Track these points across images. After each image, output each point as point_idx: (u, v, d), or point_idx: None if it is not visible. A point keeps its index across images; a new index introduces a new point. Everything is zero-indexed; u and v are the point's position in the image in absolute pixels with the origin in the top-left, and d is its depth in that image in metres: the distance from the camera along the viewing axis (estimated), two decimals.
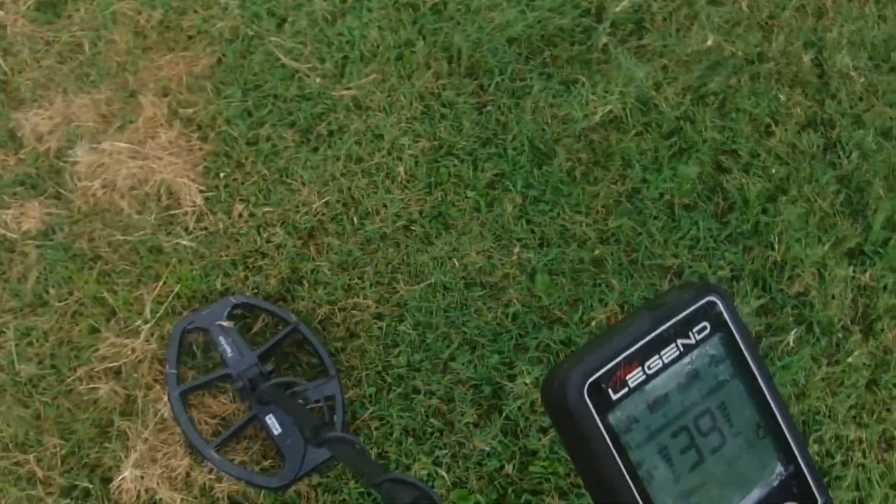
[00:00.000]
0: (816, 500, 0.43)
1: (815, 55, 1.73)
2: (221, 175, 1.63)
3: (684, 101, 1.66)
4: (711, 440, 0.41)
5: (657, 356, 0.40)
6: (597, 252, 1.49)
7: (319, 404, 1.39)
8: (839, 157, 1.60)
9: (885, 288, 1.46)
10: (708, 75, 1.69)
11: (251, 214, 1.58)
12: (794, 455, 0.43)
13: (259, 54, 1.77)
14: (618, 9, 1.77)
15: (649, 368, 0.40)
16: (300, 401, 1.33)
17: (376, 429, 1.38)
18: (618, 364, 0.39)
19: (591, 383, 0.37)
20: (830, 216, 1.53)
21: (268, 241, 1.54)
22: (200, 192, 1.61)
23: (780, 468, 0.42)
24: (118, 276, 1.52)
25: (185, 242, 1.55)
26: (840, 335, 1.41)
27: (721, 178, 1.58)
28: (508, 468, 1.31)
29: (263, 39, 1.81)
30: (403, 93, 1.72)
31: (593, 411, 0.37)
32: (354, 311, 1.47)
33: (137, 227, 1.57)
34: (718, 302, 0.42)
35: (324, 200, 1.58)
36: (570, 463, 1.33)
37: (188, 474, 1.34)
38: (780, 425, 0.42)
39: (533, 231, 1.52)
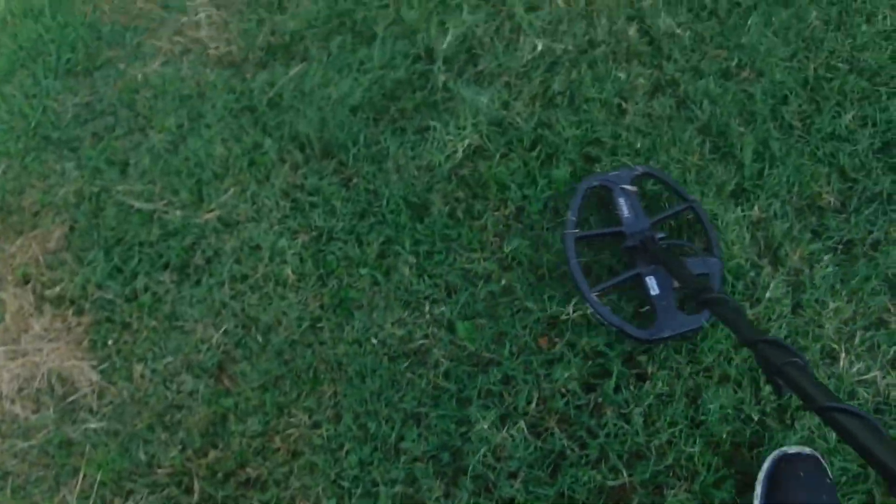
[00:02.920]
0: None
1: (640, 25, 1.87)
2: (110, 342, 1.63)
3: (535, 110, 1.77)
4: None
5: None
6: (503, 282, 1.56)
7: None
8: (692, 111, 1.72)
9: (774, 215, 1.57)
10: (549, 78, 1.81)
11: (153, 371, 1.59)
12: None
13: (110, 208, 1.79)
14: (444, 45, 1.88)
15: None
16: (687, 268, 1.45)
17: None
18: None
19: None
20: (704, 167, 1.65)
21: (178, 392, 1.55)
22: (93, 367, 1.60)
23: None
24: (34, 486, 1.49)
25: (93, 426, 1.54)
26: (752, 274, 1.51)
27: (593, 168, 1.68)
28: None
29: (110, 192, 1.84)
30: (266, 196, 1.77)
31: None
32: (290, 430, 1.48)
33: (38, 428, 1.55)
34: None
35: (222, 330, 1.60)
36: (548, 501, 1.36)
37: None
38: None
39: (436, 284, 1.58)
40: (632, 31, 1.86)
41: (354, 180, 1.77)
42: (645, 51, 1.83)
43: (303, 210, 1.74)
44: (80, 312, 1.70)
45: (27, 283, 1.76)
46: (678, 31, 1.84)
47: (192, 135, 1.87)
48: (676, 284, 1.56)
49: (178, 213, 1.77)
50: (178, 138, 1.88)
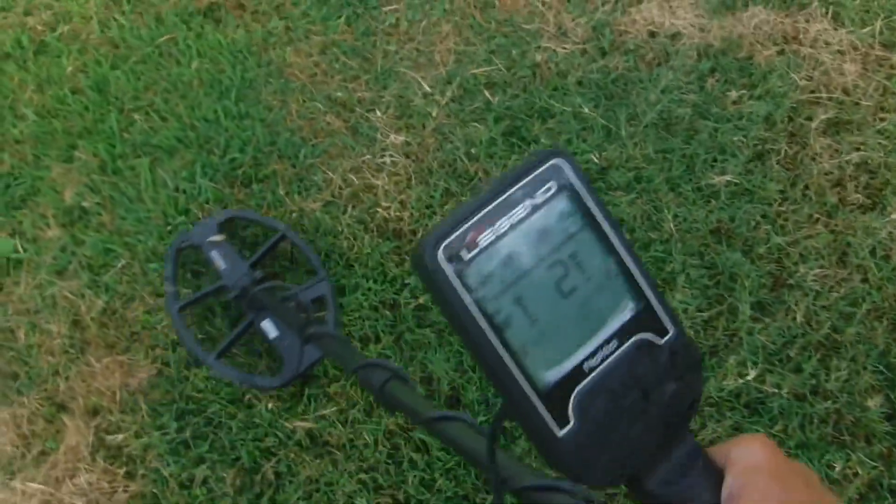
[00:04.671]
0: (668, 331, 0.53)
1: None
2: None
3: None
4: (565, 285, 0.51)
5: (506, 217, 0.50)
6: None
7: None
8: None
9: None
10: None
11: None
12: (643, 293, 0.53)
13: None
14: None
15: (499, 229, 0.50)
16: (292, 304, 1.54)
17: None
18: (468, 228, 0.49)
19: (444, 246, 0.48)
20: None
21: None
22: None
23: (631, 304, 0.53)
24: None
25: None
26: None
27: None
28: None
29: (214, 344, 1.77)
30: (370, 428, 1.63)
31: (447, 270, 0.48)
32: None
33: None
34: (563, 163, 0.51)
35: None
36: None
37: None
38: (628, 268, 0.52)
39: None
40: None
41: None
42: None
43: (399, 464, 1.60)
44: (131, 476, 1.68)
45: (95, 414, 1.74)
46: None
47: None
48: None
49: (271, 405, 1.70)
50: None
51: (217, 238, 1.78)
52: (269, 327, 1.68)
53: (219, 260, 1.76)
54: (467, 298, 0.48)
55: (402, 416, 1.62)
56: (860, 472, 1.65)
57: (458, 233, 0.49)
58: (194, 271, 1.93)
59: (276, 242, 1.82)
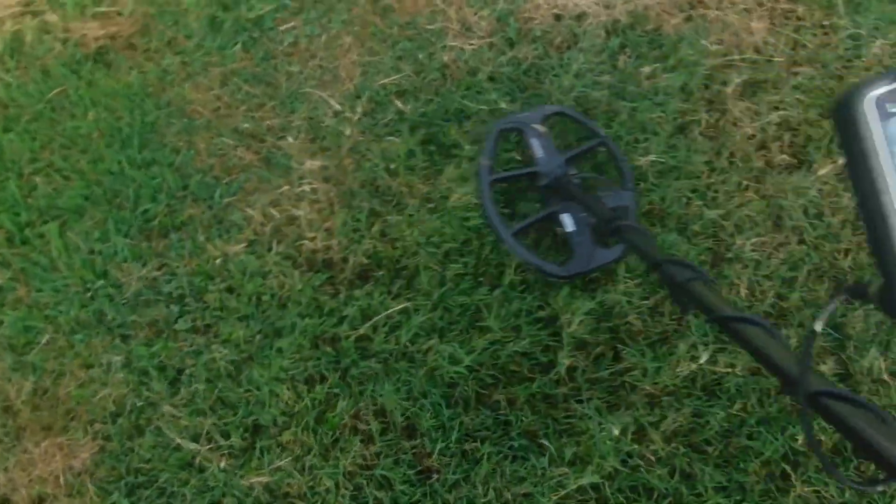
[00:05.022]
0: None
1: None
2: None
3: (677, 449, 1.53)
4: None
5: None
6: None
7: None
8: None
9: None
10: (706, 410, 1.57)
11: None
12: None
13: (150, 434, 1.72)
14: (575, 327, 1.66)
15: None
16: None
17: None
18: None
19: (874, 96, 0.51)
20: None
21: None
22: None
23: None
24: None
25: None
26: None
27: None
28: None
29: (155, 409, 1.74)
30: (328, 474, 1.62)
31: (871, 118, 0.50)
32: None
33: None
34: None
35: None
36: None
37: None
38: None
39: None
40: None
41: (435, 477, 1.58)
42: None
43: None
44: None
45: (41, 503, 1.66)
46: None
47: (260, 359, 1.78)
48: (592, 220, 1.79)
49: (224, 464, 1.68)
50: (244, 359, 1.79)
51: (540, 128, 1.92)
52: (568, 221, 1.80)
53: (538, 148, 1.89)
54: (884, 151, 0.51)
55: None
56: (823, 438, 1.68)
57: (891, 87, 0.52)
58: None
59: (595, 147, 1.94)
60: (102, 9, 2.26)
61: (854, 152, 0.53)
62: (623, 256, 1.80)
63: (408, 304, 1.83)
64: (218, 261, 1.92)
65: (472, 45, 2.17)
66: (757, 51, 2.17)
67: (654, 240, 1.58)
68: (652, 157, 1.96)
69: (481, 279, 1.87)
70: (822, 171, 1.93)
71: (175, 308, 1.89)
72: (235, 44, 2.21)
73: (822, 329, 1.75)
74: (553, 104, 2.00)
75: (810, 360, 0.70)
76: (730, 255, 1.85)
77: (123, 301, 1.90)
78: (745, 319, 0.97)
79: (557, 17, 2.21)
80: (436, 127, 2.05)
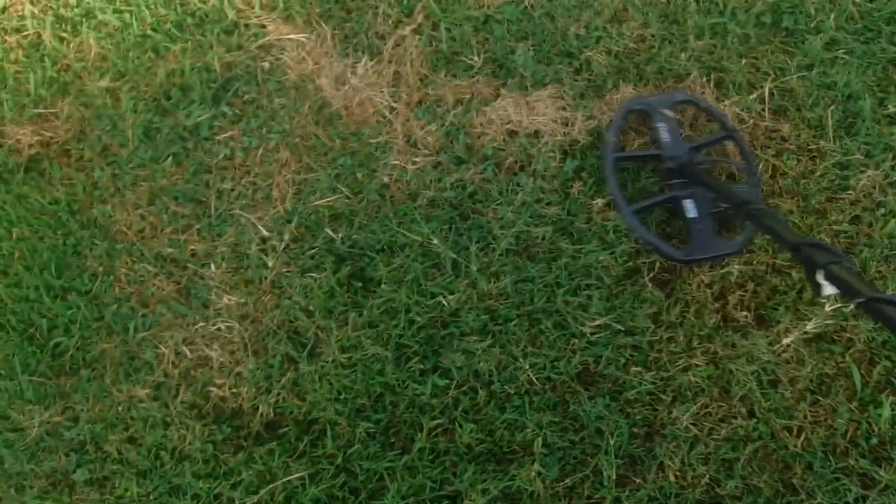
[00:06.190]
0: None
1: None
2: None
3: None
4: None
5: None
6: None
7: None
8: None
9: None
10: None
11: None
12: None
13: None
14: None
15: None
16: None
17: None
18: None
19: None
20: None
21: None
22: None
23: None
24: None
25: None
26: None
27: None
28: None
29: None
30: None
31: None
32: None
33: None
34: None
35: None
36: None
37: None
38: None
39: None
40: None
41: None
42: None
43: None
44: None
45: None
46: None
47: None
48: (713, 209, 1.87)
49: None
50: None
51: (669, 113, 1.99)
52: (689, 206, 1.86)
53: (664, 132, 1.96)
54: None
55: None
56: None
57: None
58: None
59: (723, 139, 2.00)
60: (40, 110, 2.25)
61: None
62: (742, 250, 1.85)
63: (308, 470, 1.75)
64: (123, 403, 1.88)
65: (416, 163, 2.06)
66: (731, 176, 2.00)
67: (788, 224, 1.68)
68: (593, 309, 1.82)
69: (392, 440, 1.78)
70: (786, 340, 1.77)
71: (74, 457, 1.86)
72: (168, 156, 2.15)
73: None
74: (684, 92, 2.06)
75: None
76: (664, 431, 1.71)
77: (23, 447, 1.89)
78: (887, 300, 1.05)
79: (511, 134, 2.08)
80: (365, 259, 1.95)
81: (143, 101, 2.24)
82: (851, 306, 1.58)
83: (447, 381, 1.79)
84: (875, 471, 1.66)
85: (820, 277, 1.19)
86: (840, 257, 1.21)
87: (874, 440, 1.70)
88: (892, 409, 1.70)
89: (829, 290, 1.19)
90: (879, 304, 1.06)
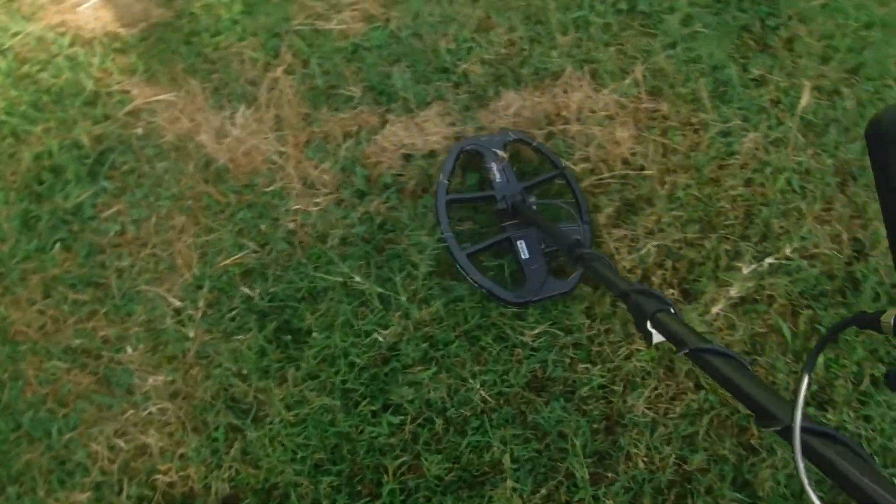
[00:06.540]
0: None
1: None
2: None
3: None
4: None
5: None
6: None
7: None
8: None
9: None
10: None
11: None
12: None
13: None
14: None
15: None
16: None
17: None
18: None
19: None
20: None
21: None
22: None
23: None
24: None
25: None
26: None
27: None
28: None
29: None
30: None
31: None
32: None
33: None
34: None
35: None
36: None
37: None
38: None
39: None
40: None
41: None
42: None
43: None
44: None
45: None
46: None
47: None
48: (546, 248, 1.90)
49: None
50: None
51: (501, 153, 2.02)
52: (522, 247, 1.89)
53: (496, 172, 1.99)
54: None
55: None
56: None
57: None
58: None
59: (553, 177, 2.04)
60: None
61: (882, 175, 0.65)
62: (574, 290, 1.87)
63: None
64: None
65: (317, 203, 2.05)
66: (626, 162, 2.09)
67: (617, 270, 1.61)
68: (529, 319, 1.88)
69: (359, 488, 1.76)
70: (715, 309, 1.87)
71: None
72: (55, 243, 2.05)
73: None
74: (515, 131, 2.10)
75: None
76: (624, 420, 1.78)
77: None
78: (715, 352, 1.02)
79: (407, 158, 2.10)
80: (289, 310, 1.92)
81: (12, 190, 2.12)
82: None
83: (402, 417, 1.79)
84: (823, 415, 1.78)
85: (650, 325, 1.16)
86: (667, 304, 1.18)
87: (814, 387, 1.82)
88: (823, 356, 1.83)
89: (658, 337, 1.16)
90: (704, 353, 1.03)
